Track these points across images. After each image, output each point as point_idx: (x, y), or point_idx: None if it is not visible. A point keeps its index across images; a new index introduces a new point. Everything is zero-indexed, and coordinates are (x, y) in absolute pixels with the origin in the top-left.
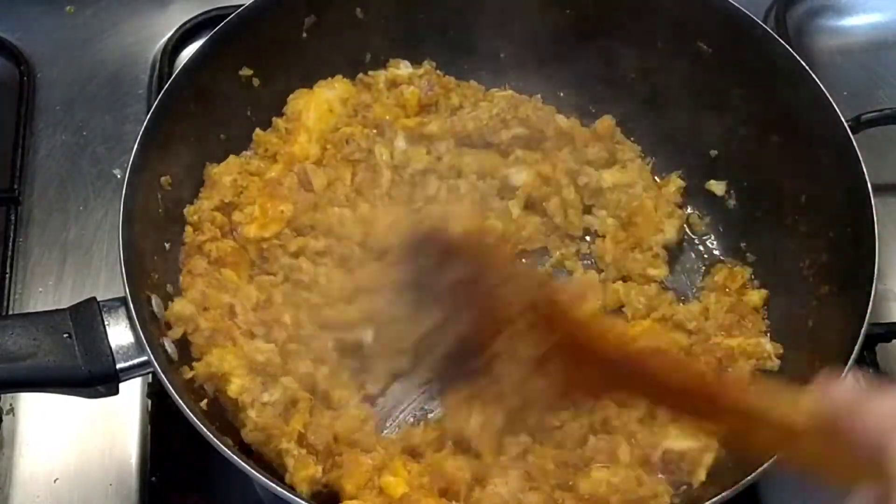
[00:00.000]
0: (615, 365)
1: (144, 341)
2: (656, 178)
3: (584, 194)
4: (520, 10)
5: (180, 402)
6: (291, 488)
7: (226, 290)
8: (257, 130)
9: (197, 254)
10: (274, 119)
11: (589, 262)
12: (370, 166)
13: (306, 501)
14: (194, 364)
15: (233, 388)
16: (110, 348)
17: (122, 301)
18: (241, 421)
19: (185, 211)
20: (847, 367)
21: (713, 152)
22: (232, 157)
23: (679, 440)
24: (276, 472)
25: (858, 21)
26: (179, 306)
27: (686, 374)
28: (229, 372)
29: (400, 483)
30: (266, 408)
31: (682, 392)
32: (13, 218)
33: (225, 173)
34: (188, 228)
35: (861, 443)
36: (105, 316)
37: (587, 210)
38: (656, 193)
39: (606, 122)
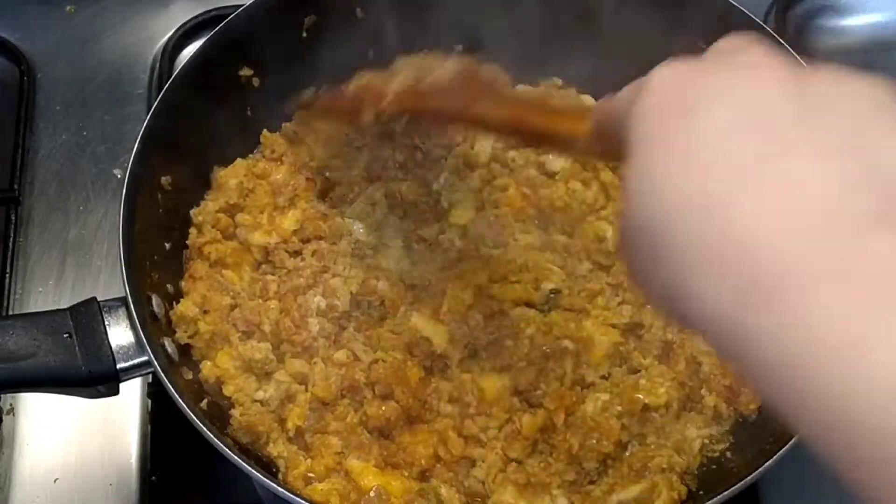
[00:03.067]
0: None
1: (145, 341)
2: None
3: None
4: (519, 7)
5: (180, 402)
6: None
7: (226, 291)
8: (265, 132)
9: (198, 257)
10: (283, 124)
11: None
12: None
13: (306, 501)
14: (201, 365)
15: (228, 389)
16: (111, 348)
17: (123, 301)
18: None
19: (191, 212)
20: None
21: None
22: (239, 161)
23: (630, 488)
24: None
25: (858, 21)
26: (184, 307)
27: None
28: (225, 373)
29: (368, 469)
30: (254, 405)
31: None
32: (13, 218)
33: (231, 176)
34: (192, 230)
35: (614, 127)
36: (105, 316)
37: None
38: None
39: None
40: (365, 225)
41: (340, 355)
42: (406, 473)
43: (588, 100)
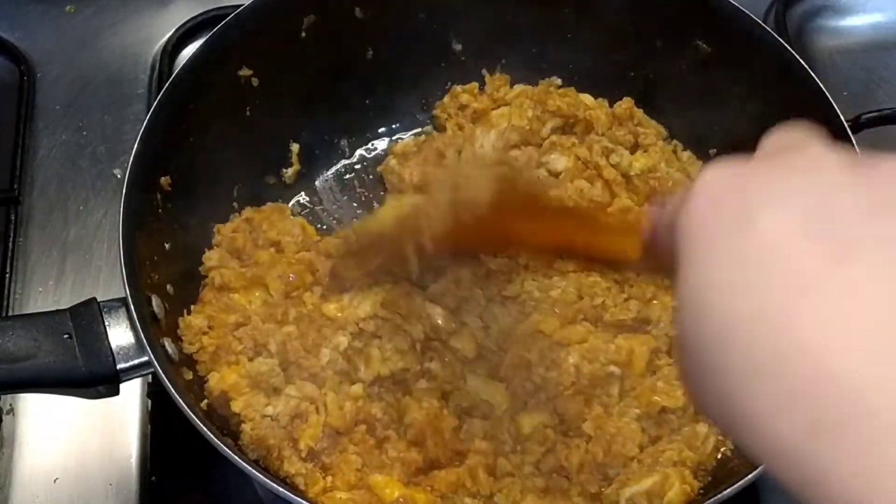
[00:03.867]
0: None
1: (145, 342)
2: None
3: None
4: (519, 5)
5: (180, 402)
6: (293, 488)
7: (233, 311)
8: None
9: (210, 284)
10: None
11: None
12: None
13: (307, 501)
14: (209, 377)
15: (237, 405)
16: (111, 349)
17: (123, 301)
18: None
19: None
20: None
21: (712, 151)
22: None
23: (642, 481)
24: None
25: (858, 21)
26: (193, 318)
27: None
28: (232, 388)
29: (391, 483)
30: (264, 420)
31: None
32: (13, 218)
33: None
34: (213, 252)
35: (665, 238)
36: (105, 316)
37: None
38: (679, 165)
39: (626, 105)
40: (443, 308)
41: (357, 389)
42: (430, 488)
43: (588, 99)
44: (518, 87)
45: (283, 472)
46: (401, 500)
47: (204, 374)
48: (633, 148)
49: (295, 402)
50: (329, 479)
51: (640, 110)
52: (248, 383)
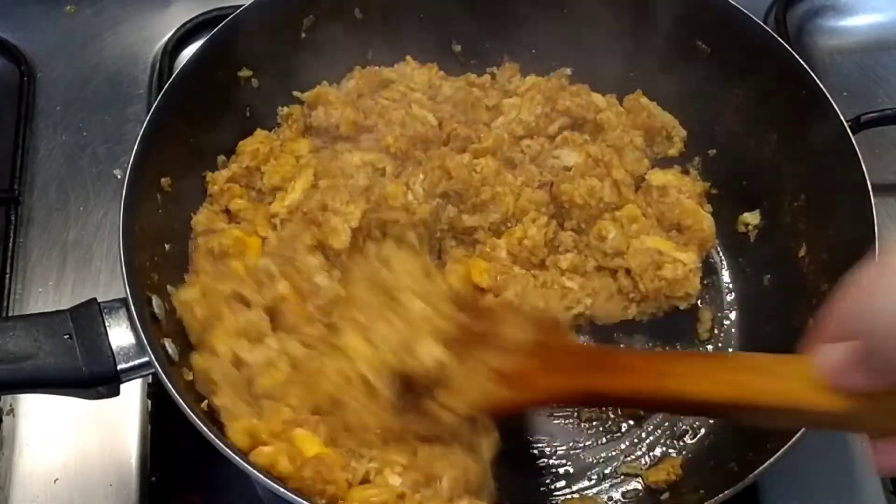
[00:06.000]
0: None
1: (145, 342)
2: None
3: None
4: (518, 6)
5: (180, 402)
6: (294, 489)
7: (229, 279)
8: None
9: (203, 251)
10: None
11: None
12: None
13: (307, 501)
14: (192, 355)
15: (220, 349)
16: (111, 349)
17: (123, 302)
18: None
19: (206, 177)
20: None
21: (711, 151)
22: (258, 131)
23: None
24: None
25: (858, 21)
26: (185, 293)
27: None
28: (217, 341)
29: (313, 440)
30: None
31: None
32: (13, 218)
33: (249, 144)
34: (201, 213)
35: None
36: (106, 317)
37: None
38: (689, 186)
39: (637, 96)
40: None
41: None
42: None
43: (599, 99)
44: (531, 79)
45: (213, 404)
46: (315, 457)
47: (196, 343)
48: (644, 149)
49: (274, 354)
50: (255, 421)
51: (654, 102)
52: (235, 332)
